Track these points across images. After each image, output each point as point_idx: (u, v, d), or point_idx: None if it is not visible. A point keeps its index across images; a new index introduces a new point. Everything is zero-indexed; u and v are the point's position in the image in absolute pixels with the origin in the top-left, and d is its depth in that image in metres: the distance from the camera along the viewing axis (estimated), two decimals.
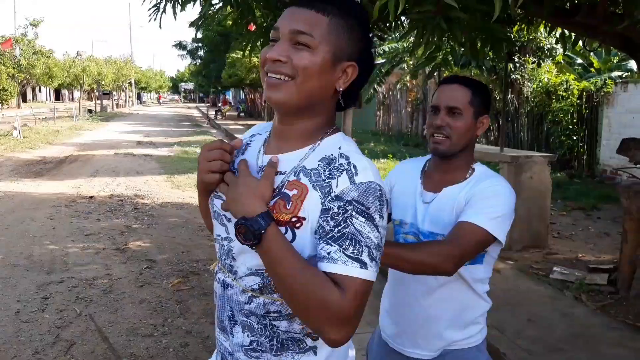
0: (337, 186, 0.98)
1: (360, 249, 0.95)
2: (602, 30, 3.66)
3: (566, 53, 11.74)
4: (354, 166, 1.00)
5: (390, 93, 17.66)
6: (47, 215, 6.55)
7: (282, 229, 0.99)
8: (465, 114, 1.48)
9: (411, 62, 15.48)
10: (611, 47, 4.93)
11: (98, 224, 6.18)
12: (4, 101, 26.54)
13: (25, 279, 4.33)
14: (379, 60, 17.20)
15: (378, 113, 18.72)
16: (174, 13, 4.73)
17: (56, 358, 3.08)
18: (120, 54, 46.82)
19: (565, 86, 9.77)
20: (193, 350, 3.21)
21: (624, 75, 10.71)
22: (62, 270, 4.57)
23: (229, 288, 1.10)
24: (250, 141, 1.17)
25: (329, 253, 0.95)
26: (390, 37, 13.12)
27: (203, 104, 53.74)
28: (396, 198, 1.63)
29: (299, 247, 0.99)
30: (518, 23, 4.39)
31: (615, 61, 11.91)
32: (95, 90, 40.45)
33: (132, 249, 5.22)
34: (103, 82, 34.85)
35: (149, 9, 4.60)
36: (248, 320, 1.08)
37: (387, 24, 4.27)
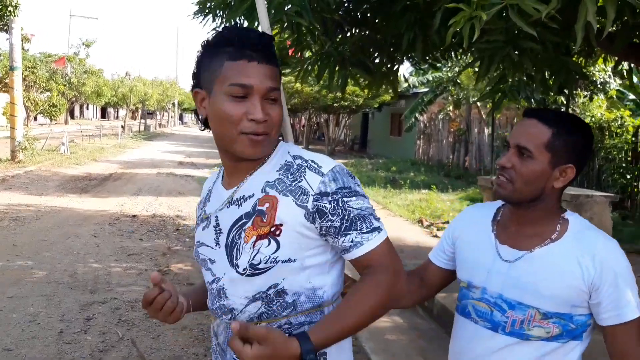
0: (309, 185, 1.06)
1: (370, 220, 1.08)
2: None
3: (618, 88, 11.36)
4: (312, 161, 1.10)
5: (432, 122, 17.46)
6: (92, 232, 6.61)
7: (265, 242, 1.07)
8: (538, 157, 1.18)
9: (455, 92, 15.32)
10: None
11: (140, 244, 6.19)
12: (52, 117, 27.57)
13: (69, 298, 4.32)
14: (422, 89, 17.11)
15: (418, 142, 18.51)
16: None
17: None
18: (166, 75, 48.36)
19: (619, 122, 9.39)
20: None
21: None
22: (105, 290, 4.54)
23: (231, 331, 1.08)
24: (209, 192, 1.26)
25: (352, 241, 1.06)
26: (441, 67, 13.02)
27: None
28: (462, 253, 1.36)
29: (287, 253, 1.07)
30: (576, 55, 4.20)
31: None
32: (140, 110, 41.73)
33: (173, 272, 5.17)
34: (148, 102, 35.89)
35: (208, 33, 4.63)
36: None
37: (440, 53, 4.17)
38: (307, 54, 4.78)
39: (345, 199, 1.06)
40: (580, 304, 1.18)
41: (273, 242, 1.07)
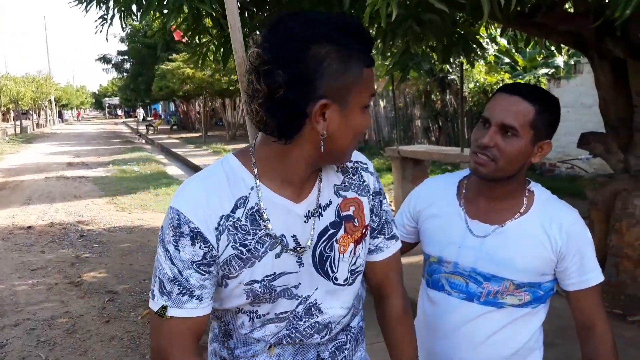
0: (369, 184, 1.08)
1: (392, 226, 1.13)
2: (557, 30, 3.82)
3: (494, 53, 12.30)
4: (358, 161, 1.09)
5: None
6: None
7: (361, 245, 1.06)
8: (523, 136, 1.18)
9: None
10: (561, 46, 5.17)
11: (43, 257, 5.70)
12: None
13: None
14: None
15: None
16: (122, 24, 4.44)
17: None
18: (37, 71, 44.16)
19: (500, 85, 10.20)
20: None
21: (550, 72, 11.34)
22: (14, 311, 4.15)
23: (316, 345, 1.07)
24: (252, 212, 0.98)
25: (376, 245, 1.11)
26: None
27: (130, 119, 51.71)
28: (429, 228, 1.35)
29: (365, 249, 1.08)
30: (461, 24, 4.50)
31: (540, 59, 12.60)
32: (12, 111, 37.87)
33: (87, 282, 4.84)
34: (21, 102, 32.69)
35: (95, 20, 4.31)
36: (338, 342, 1.10)
37: None
38: (204, 38, 4.63)
39: (383, 200, 1.11)
40: (548, 272, 1.25)
41: (365, 244, 1.08)
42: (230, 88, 18.66)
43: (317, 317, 1.03)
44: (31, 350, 3.47)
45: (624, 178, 3.72)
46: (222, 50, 4.25)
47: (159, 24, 4.62)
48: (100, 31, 4.37)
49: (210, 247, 0.94)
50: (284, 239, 0.98)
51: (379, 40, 3.54)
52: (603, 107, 3.98)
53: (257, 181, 0.97)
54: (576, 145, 4.16)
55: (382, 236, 1.11)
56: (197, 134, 23.66)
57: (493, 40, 11.18)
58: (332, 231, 1.02)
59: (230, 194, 0.97)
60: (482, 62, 11.45)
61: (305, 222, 1.00)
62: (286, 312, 1.02)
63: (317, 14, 0.91)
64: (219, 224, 0.95)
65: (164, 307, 0.94)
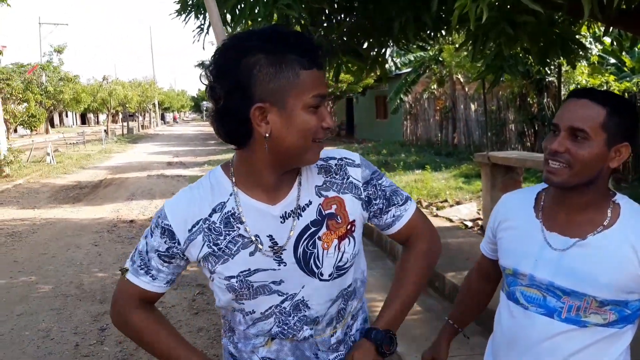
0: (356, 178, 1.16)
1: (400, 192, 1.23)
2: None
3: (599, 54, 11.44)
4: (343, 158, 1.18)
5: (418, 102, 17.49)
6: (91, 241, 6.55)
7: (346, 241, 1.13)
8: (594, 139, 1.13)
9: (438, 70, 15.34)
10: None
11: None
12: (32, 127, 27.10)
13: (79, 310, 4.28)
14: (405, 70, 17.10)
15: (405, 123, 18.54)
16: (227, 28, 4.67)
17: None
18: (143, 76, 47.65)
19: (605, 87, 9.48)
20: None
21: None
22: None
23: (310, 338, 1.16)
24: (228, 215, 1.11)
25: (393, 216, 1.21)
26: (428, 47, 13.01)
27: None
28: (504, 239, 1.33)
29: (358, 245, 1.16)
30: (560, 24, 4.23)
31: None
32: (121, 113, 41.22)
33: (181, 274, 5.14)
34: (128, 105, 35.44)
35: (193, 30, 4.57)
36: (339, 355, 1.20)
37: (428, 34, 4.15)
38: None
39: (379, 182, 1.19)
40: (635, 290, 1.17)
41: (352, 239, 1.14)
42: None
43: (305, 312, 1.13)
44: None
45: None
46: None
47: None
48: (198, 40, 4.64)
49: (176, 244, 1.11)
50: (258, 238, 1.09)
51: (469, 42, 3.44)
52: None
53: (235, 188, 1.10)
54: None
55: (394, 206, 1.20)
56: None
57: (597, 39, 10.45)
58: (313, 229, 1.11)
59: (212, 201, 1.11)
60: (584, 62, 10.72)
61: (281, 222, 1.09)
62: (270, 307, 1.12)
63: (252, 31, 1.02)
64: (194, 227, 1.10)
65: (126, 269, 1.16)
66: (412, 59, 15.98)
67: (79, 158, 17.82)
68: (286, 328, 1.13)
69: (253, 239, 1.08)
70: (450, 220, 6.45)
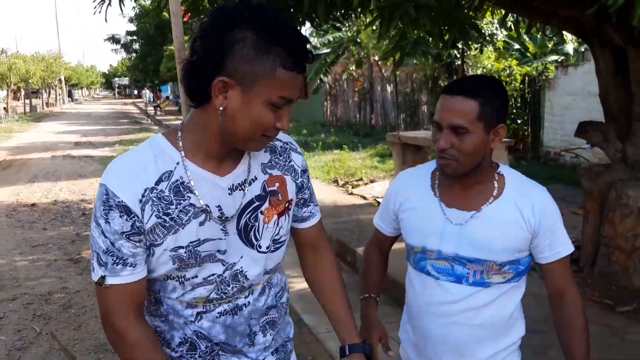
0: (296, 164, 1.22)
1: (315, 195, 1.31)
2: (558, 15, 3.76)
3: (504, 39, 12.13)
4: (288, 142, 1.23)
5: (337, 83, 17.67)
6: None
7: (284, 217, 1.19)
8: (474, 131, 1.23)
9: (356, 52, 15.55)
10: (560, 32, 5.08)
11: (45, 234, 5.79)
12: None
13: None
14: (324, 50, 17.16)
15: (325, 103, 18.69)
16: (121, 6, 4.44)
17: None
18: (47, 50, 44.18)
19: (508, 71, 10.09)
20: None
21: (560, 59, 11.19)
22: (13, 286, 4.23)
23: (243, 308, 1.17)
24: (179, 184, 1.07)
25: (310, 212, 1.29)
26: (341, 26, 13.07)
27: (139, 100, 51.82)
28: (409, 219, 1.42)
29: (288, 221, 1.21)
30: (466, 9, 4.44)
31: (550, 45, 12.41)
32: (23, 89, 38.06)
33: (86, 259, 4.91)
34: (31, 80, 32.81)
35: (94, 0, 4.30)
36: (269, 317, 1.22)
37: (341, 13, 4.20)
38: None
39: (308, 176, 1.27)
40: (525, 249, 1.33)
41: (288, 216, 1.21)
42: None
43: (243, 282, 1.15)
44: (27, 323, 3.55)
45: (620, 168, 3.69)
46: None
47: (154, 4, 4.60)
48: (99, 12, 4.37)
49: (135, 217, 1.02)
50: (208, 208, 1.07)
51: (376, 22, 3.51)
52: (603, 96, 3.93)
53: (183, 157, 1.07)
54: (574, 134, 4.13)
55: (312, 204, 1.29)
56: None
57: (503, 25, 11.06)
58: (257, 203, 1.14)
59: (156, 169, 1.05)
60: (490, 47, 11.32)
61: (229, 194, 1.10)
62: (213, 274, 1.11)
63: (257, 6, 0.98)
64: (142, 196, 1.03)
65: (103, 277, 1.04)
66: (331, 39, 16.08)
67: None
68: (224, 296, 1.14)
69: (205, 208, 1.07)
70: (364, 198, 6.64)
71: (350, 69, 16.67)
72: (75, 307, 3.82)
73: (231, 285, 1.14)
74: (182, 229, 1.06)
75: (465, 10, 4.09)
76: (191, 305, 1.13)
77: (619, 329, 3.06)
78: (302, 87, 1.08)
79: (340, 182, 7.71)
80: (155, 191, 1.04)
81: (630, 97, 3.68)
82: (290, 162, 1.21)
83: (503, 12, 5.02)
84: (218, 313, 1.14)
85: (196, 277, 1.10)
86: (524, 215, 1.29)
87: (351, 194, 6.96)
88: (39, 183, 8.90)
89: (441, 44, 3.48)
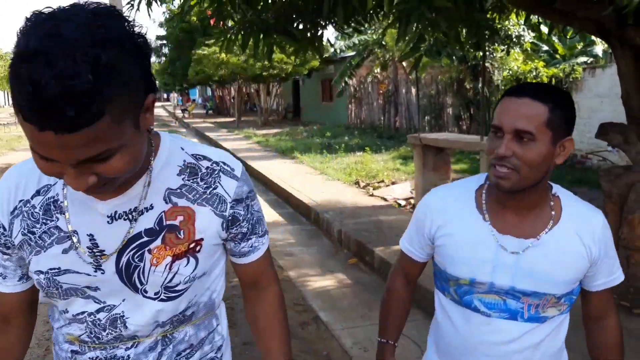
0: (226, 191, 0.96)
1: (263, 222, 1.07)
2: (578, 16, 3.74)
3: (532, 40, 12.00)
4: (223, 162, 0.98)
5: (362, 86, 17.73)
6: None
7: (184, 261, 0.94)
8: (541, 139, 1.07)
9: (381, 54, 15.59)
10: (585, 34, 5.04)
11: None
12: None
13: None
14: (349, 53, 17.26)
15: (350, 106, 18.77)
16: (149, 11, 4.61)
17: None
18: None
19: (534, 73, 9.99)
20: None
21: (589, 61, 11.02)
22: None
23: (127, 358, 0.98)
24: (51, 200, 0.92)
25: (252, 246, 1.05)
26: (365, 30, 13.15)
27: (168, 103, 52.83)
28: (452, 247, 1.23)
29: (202, 267, 0.97)
30: (490, 11, 4.45)
31: (580, 47, 12.22)
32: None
33: None
34: None
35: (124, 6, 4.48)
36: None
37: (364, 16, 4.27)
38: (230, 23, 4.74)
39: (252, 203, 1.02)
40: (581, 278, 1.22)
41: (192, 260, 0.95)
42: (264, 74, 18.83)
43: (122, 330, 0.95)
44: None
45: None
46: (241, 35, 4.35)
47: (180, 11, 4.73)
48: (129, 17, 4.54)
49: (3, 230, 0.93)
50: (76, 235, 0.90)
51: (395, 25, 3.56)
52: (625, 98, 3.89)
53: None
54: (594, 136, 4.10)
55: (255, 235, 1.04)
56: (231, 119, 24.01)
57: (531, 27, 10.94)
58: (145, 239, 0.91)
59: (38, 181, 0.93)
60: (517, 49, 11.21)
61: (108, 222, 0.90)
62: (82, 313, 0.95)
63: (47, 19, 0.68)
64: (15, 208, 0.93)
65: None
66: (356, 42, 16.16)
67: (9, 140, 16.95)
68: (96, 341, 0.96)
69: (71, 234, 0.90)
70: (385, 200, 6.68)
71: (375, 71, 16.71)
72: None
73: (107, 331, 0.95)
74: (44, 252, 0.91)
75: (489, 13, 4.12)
76: (68, 340, 1.00)
77: (635, 330, 3.04)
78: (69, 151, 0.70)
79: (362, 184, 7.76)
80: (28, 205, 0.92)
81: None
82: (214, 189, 0.95)
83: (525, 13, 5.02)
84: (89, 358, 0.98)
85: (66, 311, 0.96)
86: (585, 243, 1.17)
87: (372, 195, 7.00)
88: None
89: (458, 46, 3.51)
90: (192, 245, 0.94)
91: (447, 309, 1.29)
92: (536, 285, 1.16)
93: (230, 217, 0.98)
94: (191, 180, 0.95)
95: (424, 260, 1.36)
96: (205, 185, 0.95)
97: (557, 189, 1.22)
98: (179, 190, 0.94)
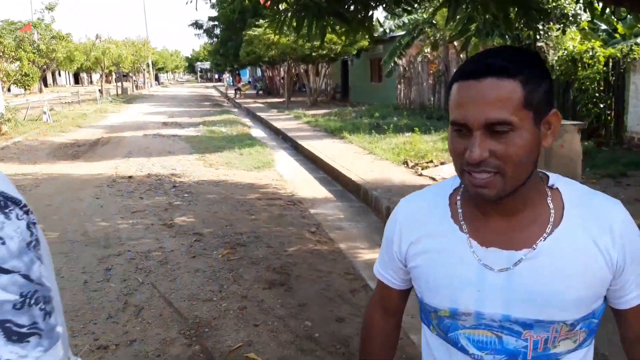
0: None
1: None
2: None
3: (589, 19, 11.60)
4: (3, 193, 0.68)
5: (411, 66, 17.61)
6: (92, 194, 6.89)
7: None
8: (521, 125, 0.82)
9: (432, 34, 15.43)
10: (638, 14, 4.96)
11: (142, 202, 6.50)
12: (26, 86, 27.06)
13: (86, 253, 4.66)
14: (399, 33, 17.16)
15: (399, 86, 18.71)
16: None
17: (129, 321, 3.39)
18: (136, 35, 46.96)
19: (591, 53, 9.71)
20: (251, 312, 3.49)
21: None
22: (118, 244, 4.89)
23: None
24: None
25: None
26: (415, 10, 13.06)
27: (220, 83, 53.87)
28: (427, 269, 0.97)
29: None
30: None
31: None
32: (114, 73, 40.92)
33: (178, 224, 5.52)
34: (122, 64, 35.21)
35: None
36: None
37: None
38: (283, 5, 4.97)
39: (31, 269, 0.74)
40: (603, 294, 0.92)
41: None
42: (313, 54, 19.01)
43: None
44: (131, 274, 4.15)
45: None
46: (295, 18, 4.56)
47: None
48: (191, 1, 4.85)
49: None
50: None
51: (446, 6, 3.69)
52: None
53: None
54: None
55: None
56: (281, 99, 24.37)
57: (590, 5, 10.60)
58: None
59: None
60: (574, 28, 10.90)
61: None
62: None
63: None
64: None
65: None
66: (406, 21, 16.04)
67: (75, 117, 17.96)
68: None
69: None
70: (434, 179, 6.82)
71: (425, 51, 16.56)
72: (171, 263, 4.39)
73: None
74: None
75: None
76: None
77: None
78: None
79: (410, 164, 7.90)
80: None
81: None
82: None
83: None
84: None
85: None
86: (600, 246, 0.88)
87: (420, 175, 7.15)
88: (134, 158, 9.81)
89: (506, 27, 3.61)
90: None
91: (430, 346, 1.04)
92: (538, 311, 0.88)
93: None
94: None
95: (402, 288, 1.09)
96: None
97: (555, 179, 0.94)
98: None
